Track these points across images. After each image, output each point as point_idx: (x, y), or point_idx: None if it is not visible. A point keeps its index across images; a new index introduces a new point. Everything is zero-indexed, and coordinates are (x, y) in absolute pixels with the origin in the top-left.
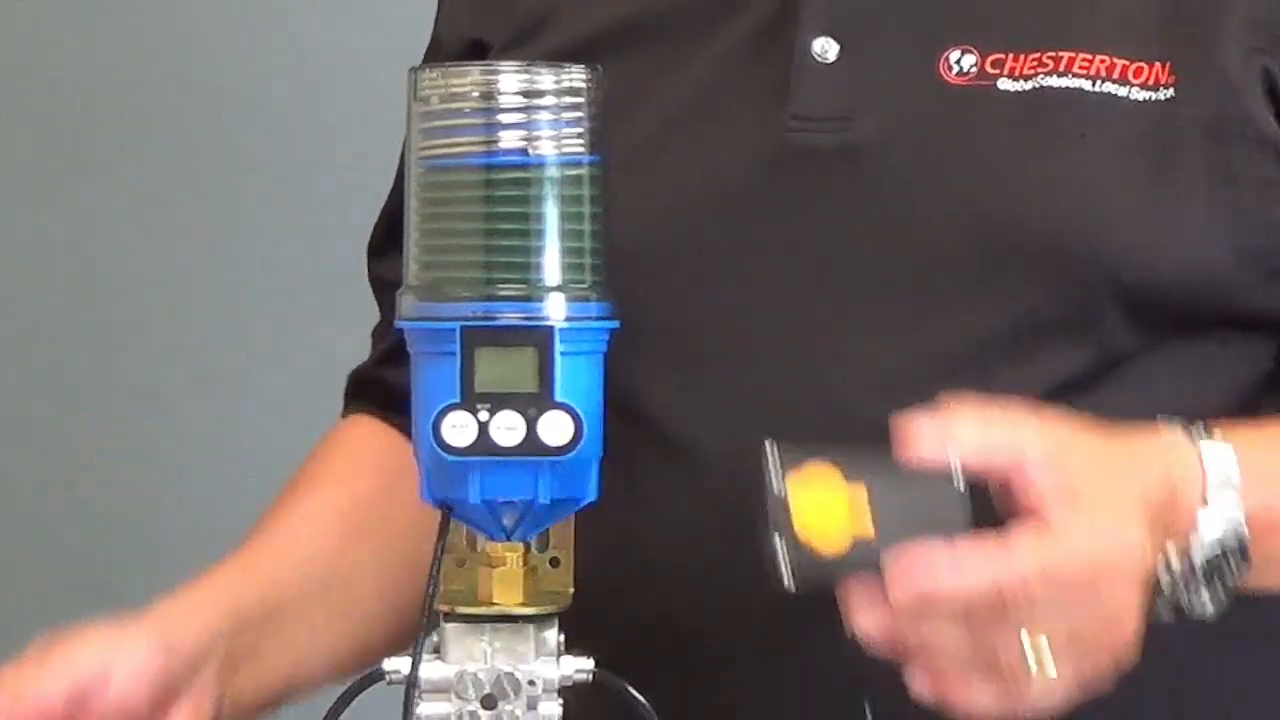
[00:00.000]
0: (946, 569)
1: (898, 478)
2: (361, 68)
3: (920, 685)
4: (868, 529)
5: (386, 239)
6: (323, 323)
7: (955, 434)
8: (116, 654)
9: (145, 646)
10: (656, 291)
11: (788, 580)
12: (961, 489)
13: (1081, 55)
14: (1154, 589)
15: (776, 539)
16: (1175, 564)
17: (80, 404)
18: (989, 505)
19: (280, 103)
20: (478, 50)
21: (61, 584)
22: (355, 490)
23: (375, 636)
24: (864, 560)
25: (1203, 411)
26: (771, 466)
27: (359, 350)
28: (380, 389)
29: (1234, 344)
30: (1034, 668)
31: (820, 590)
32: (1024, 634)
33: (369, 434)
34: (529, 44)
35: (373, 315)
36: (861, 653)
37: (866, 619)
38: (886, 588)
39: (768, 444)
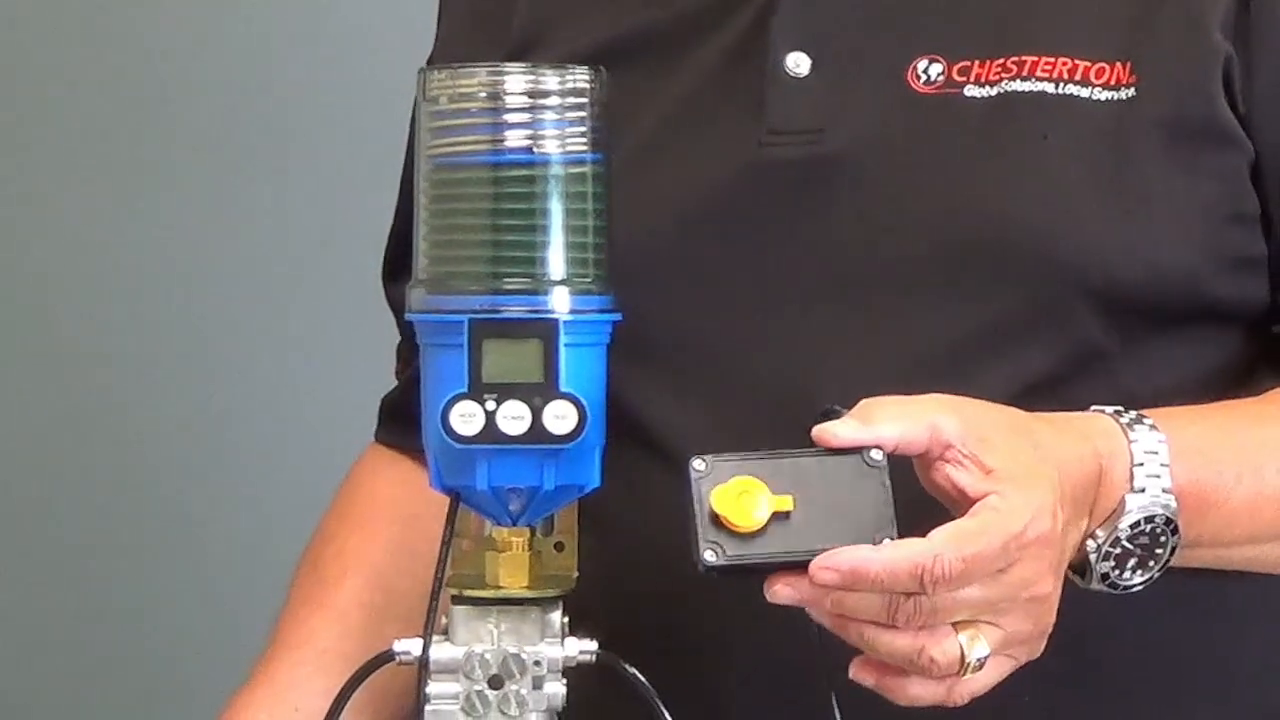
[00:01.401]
0: (869, 559)
1: (819, 463)
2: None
3: (861, 674)
4: (787, 504)
5: (398, 262)
6: (346, 321)
7: (873, 419)
8: None
9: None
10: (642, 299)
11: (711, 558)
12: (878, 461)
13: (1045, 59)
14: (1084, 568)
15: (695, 520)
16: (1104, 542)
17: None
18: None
19: (301, 107)
20: None
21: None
22: (378, 569)
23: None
24: (784, 533)
25: (1177, 403)
26: (692, 477)
27: (379, 348)
28: (412, 421)
29: (1208, 336)
30: (965, 655)
31: (744, 569)
32: (959, 634)
33: (391, 482)
34: None
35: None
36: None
37: (784, 591)
38: (810, 571)
39: (691, 459)
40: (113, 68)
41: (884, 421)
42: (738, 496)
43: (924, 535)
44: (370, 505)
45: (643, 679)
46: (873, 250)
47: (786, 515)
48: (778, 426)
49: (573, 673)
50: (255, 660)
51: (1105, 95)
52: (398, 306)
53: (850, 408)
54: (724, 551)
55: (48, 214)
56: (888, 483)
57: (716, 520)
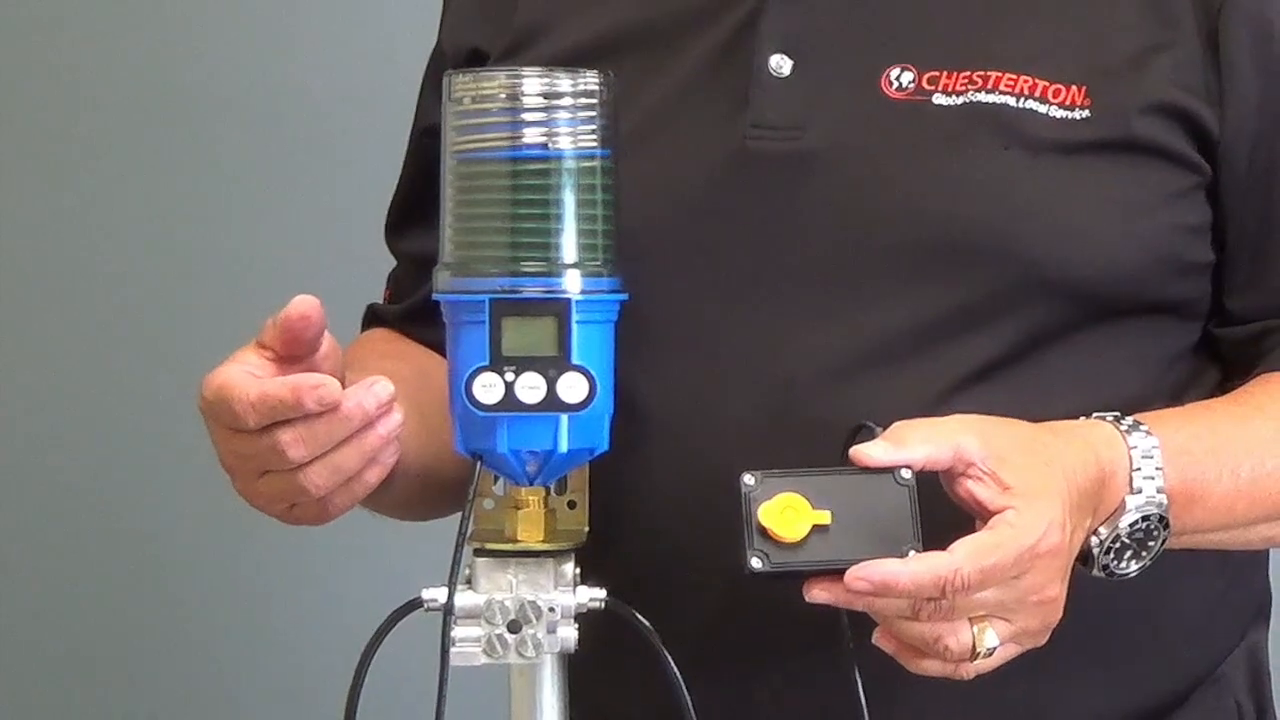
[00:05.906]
0: (898, 571)
1: (854, 480)
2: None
3: (882, 642)
4: (825, 518)
5: (401, 217)
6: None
7: (904, 440)
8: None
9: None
10: (629, 279)
11: (757, 565)
12: (907, 480)
13: (1007, 75)
14: (1087, 557)
15: (744, 532)
16: (1106, 539)
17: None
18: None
19: (285, 107)
20: (477, 58)
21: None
22: (398, 373)
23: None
24: (822, 543)
25: (1118, 384)
26: (743, 491)
27: None
28: (395, 321)
29: (1154, 328)
30: (976, 646)
31: (786, 575)
32: (972, 626)
33: (395, 339)
34: (522, 53)
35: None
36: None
37: (821, 594)
38: (845, 580)
39: (743, 475)
40: (106, 68)
41: (914, 444)
42: (782, 511)
43: (945, 545)
44: (382, 341)
45: (645, 623)
46: (843, 240)
47: (825, 528)
48: (748, 402)
49: (583, 618)
50: None
51: (1061, 114)
52: (398, 252)
53: (884, 427)
54: (769, 559)
55: (47, 213)
56: (915, 498)
57: (763, 532)
